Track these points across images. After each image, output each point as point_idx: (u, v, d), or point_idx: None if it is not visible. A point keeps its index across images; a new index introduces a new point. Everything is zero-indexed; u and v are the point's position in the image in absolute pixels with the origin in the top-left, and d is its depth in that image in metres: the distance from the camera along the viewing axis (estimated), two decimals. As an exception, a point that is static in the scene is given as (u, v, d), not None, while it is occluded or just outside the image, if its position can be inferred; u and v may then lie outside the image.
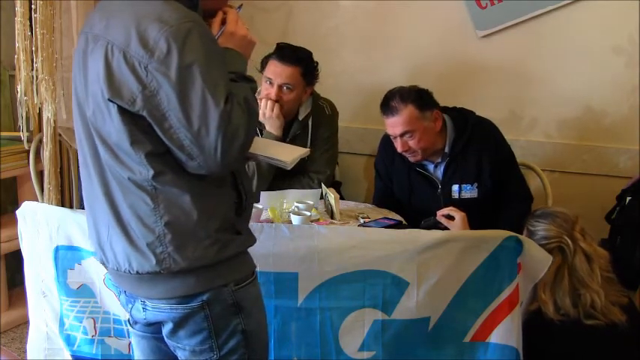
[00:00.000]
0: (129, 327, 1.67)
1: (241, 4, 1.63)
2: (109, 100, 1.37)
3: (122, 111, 1.37)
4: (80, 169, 1.56)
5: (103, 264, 1.56)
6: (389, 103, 2.50)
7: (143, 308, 1.53)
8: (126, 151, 1.40)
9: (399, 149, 2.53)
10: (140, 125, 1.38)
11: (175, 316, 1.48)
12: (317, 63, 2.73)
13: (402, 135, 2.49)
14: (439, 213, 2.33)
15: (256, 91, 1.53)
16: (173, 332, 1.51)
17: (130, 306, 1.59)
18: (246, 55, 1.56)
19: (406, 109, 2.46)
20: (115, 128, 1.39)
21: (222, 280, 1.48)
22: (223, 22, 1.55)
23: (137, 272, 1.45)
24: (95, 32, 1.42)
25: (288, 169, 1.73)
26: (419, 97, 2.50)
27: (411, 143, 2.50)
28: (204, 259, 1.44)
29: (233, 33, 1.53)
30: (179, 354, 1.55)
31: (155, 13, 1.35)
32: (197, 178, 1.42)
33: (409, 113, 2.47)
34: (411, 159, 2.58)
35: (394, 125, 2.49)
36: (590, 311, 1.92)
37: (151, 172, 1.39)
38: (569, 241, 1.97)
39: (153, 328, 1.59)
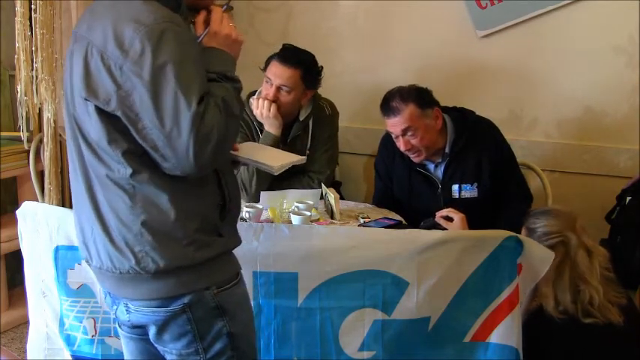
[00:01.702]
0: (117, 328, 1.67)
1: (228, 2, 1.61)
2: (85, 99, 1.39)
3: (99, 110, 1.39)
4: (69, 166, 1.56)
5: (88, 262, 1.56)
6: (389, 103, 2.50)
7: (127, 310, 1.53)
8: (104, 149, 1.41)
9: (402, 148, 2.53)
10: (116, 125, 1.39)
11: (158, 320, 1.48)
12: (321, 67, 2.73)
13: (403, 133, 2.49)
14: (438, 214, 2.32)
15: (241, 91, 1.52)
16: (158, 336, 1.51)
17: (115, 307, 1.59)
18: (233, 53, 1.54)
19: (407, 108, 2.47)
20: (94, 127, 1.41)
21: (203, 282, 1.47)
22: (208, 22, 1.53)
23: (119, 271, 1.46)
24: (80, 32, 1.44)
25: (275, 174, 1.73)
26: (419, 96, 2.50)
27: (414, 141, 2.50)
28: (183, 260, 1.44)
29: (217, 32, 1.51)
30: (167, 358, 1.55)
31: (132, 14, 1.35)
32: (176, 177, 1.42)
33: (410, 112, 2.47)
34: (415, 159, 2.57)
35: (395, 124, 2.49)
36: (588, 308, 1.92)
37: (129, 171, 1.40)
38: (572, 236, 1.97)
39: (139, 330, 1.58)
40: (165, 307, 1.47)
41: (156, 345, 1.55)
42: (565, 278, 1.95)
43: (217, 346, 1.51)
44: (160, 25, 1.34)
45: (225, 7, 1.56)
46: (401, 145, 2.53)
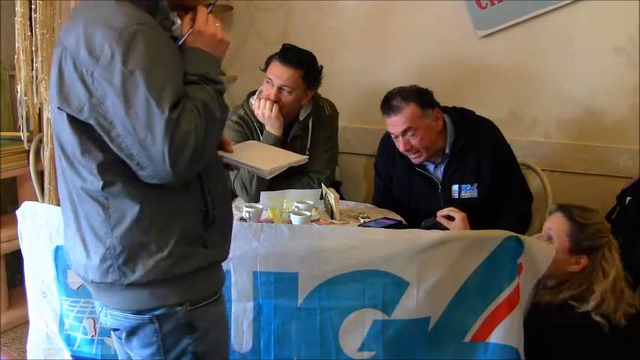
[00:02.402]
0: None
1: (215, 2, 1.59)
2: (59, 108, 1.36)
3: (71, 119, 1.36)
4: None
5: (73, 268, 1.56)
6: (390, 102, 2.50)
7: (105, 314, 1.53)
8: (79, 160, 1.39)
9: (402, 148, 2.53)
10: (90, 134, 1.36)
11: (127, 325, 1.48)
12: (321, 67, 2.73)
13: (403, 133, 2.49)
14: (439, 213, 2.32)
15: (223, 92, 1.48)
16: (127, 339, 1.51)
17: (100, 310, 1.59)
18: (218, 54, 1.49)
19: (408, 108, 2.46)
20: (68, 137, 1.39)
21: (176, 298, 1.44)
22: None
23: (92, 281, 1.45)
24: (60, 37, 1.42)
25: (267, 178, 1.72)
26: (420, 96, 2.50)
27: (414, 142, 2.49)
28: (156, 274, 1.41)
29: (201, 32, 1.45)
30: None
31: (103, 18, 1.32)
32: (152, 187, 1.38)
33: (411, 111, 2.47)
34: (415, 160, 2.57)
35: (395, 124, 2.49)
36: (624, 308, 1.93)
37: (101, 183, 1.37)
38: (612, 238, 2.01)
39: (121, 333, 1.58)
40: (136, 314, 1.46)
41: (125, 348, 1.55)
42: (610, 279, 1.95)
43: None
44: (130, 27, 1.29)
45: (211, 7, 1.53)
46: (400, 145, 2.53)
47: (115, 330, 1.58)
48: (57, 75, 1.37)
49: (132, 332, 1.48)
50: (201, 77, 1.41)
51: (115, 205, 1.39)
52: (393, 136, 2.55)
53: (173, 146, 1.28)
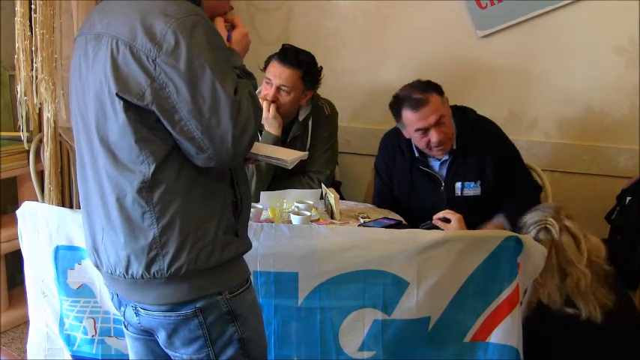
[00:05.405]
0: (123, 328, 1.66)
1: (231, 7, 1.66)
2: (117, 94, 1.36)
3: (127, 107, 1.36)
4: (77, 171, 1.55)
5: (97, 267, 1.54)
6: (413, 97, 2.47)
7: (136, 313, 1.52)
8: (126, 150, 1.39)
9: (436, 139, 2.46)
10: (147, 121, 1.37)
11: (168, 324, 1.47)
12: (321, 67, 2.73)
13: (437, 123, 2.45)
14: (435, 217, 2.31)
15: (257, 88, 1.54)
16: (169, 341, 1.50)
17: (123, 309, 1.58)
18: (244, 53, 1.60)
19: (432, 97, 2.47)
20: (118, 126, 1.38)
21: (216, 287, 1.46)
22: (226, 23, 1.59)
23: (131, 277, 1.44)
24: (96, 31, 1.42)
25: (289, 168, 1.74)
26: (433, 85, 2.52)
27: (445, 130, 2.48)
28: (198, 264, 1.42)
29: (246, 34, 1.58)
30: None
31: (159, 9, 1.36)
32: (194, 180, 1.41)
33: (436, 100, 2.47)
34: (439, 153, 2.54)
35: (427, 115, 2.44)
36: (573, 293, 1.93)
37: (151, 172, 1.38)
38: (554, 221, 1.99)
39: (147, 332, 1.57)
40: (176, 311, 1.46)
41: (166, 350, 1.54)
42: (553, 262, 1.96)
43: (229, 352, 1.50)
44: (189, 17, 1.35)
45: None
46: (434, 136, 2.46)
47: (145, 331, 1.56)
48: (110, 64, 1.37)
49: (173, 331, 1.48)
50: (241, 70, 1.49)
51: (160, 196, 1.40)
52: (421, 131, 2.47)
53: (237, 127, 1.36)
